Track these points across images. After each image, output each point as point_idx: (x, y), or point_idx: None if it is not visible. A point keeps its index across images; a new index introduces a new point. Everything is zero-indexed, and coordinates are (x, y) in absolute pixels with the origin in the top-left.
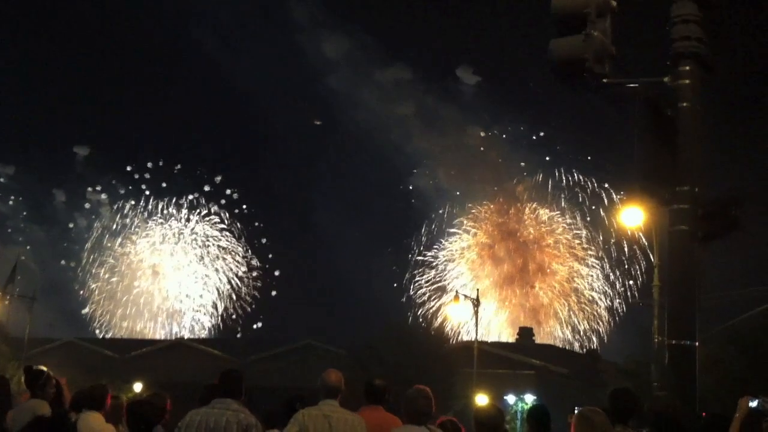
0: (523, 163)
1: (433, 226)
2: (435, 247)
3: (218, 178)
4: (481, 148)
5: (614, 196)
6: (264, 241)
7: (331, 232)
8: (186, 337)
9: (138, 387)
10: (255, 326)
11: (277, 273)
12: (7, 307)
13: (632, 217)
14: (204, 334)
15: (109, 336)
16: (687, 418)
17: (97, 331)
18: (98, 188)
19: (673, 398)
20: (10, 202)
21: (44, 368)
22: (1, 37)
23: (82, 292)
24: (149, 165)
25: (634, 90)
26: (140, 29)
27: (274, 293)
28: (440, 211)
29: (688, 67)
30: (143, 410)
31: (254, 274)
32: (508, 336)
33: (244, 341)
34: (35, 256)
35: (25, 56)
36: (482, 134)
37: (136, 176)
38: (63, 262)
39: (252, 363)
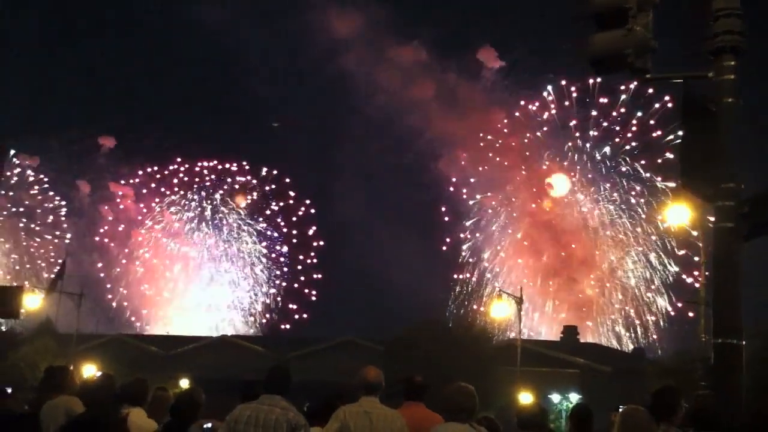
0: (553, 149)
1: (467, 218)
2: (470, 239)
3: (247, 176)
4: (505, 131)
5: (659, 187)
6: (296, 235)
7: (357, 224)
8: (229, 334)
9: (184, 383)
10: (298, 322)
11: (316, 272)
12: (54, 304)
13: (679, 214)
14: (246, 330)
15: (151, 332)
16: (730, 417)
17: (138, 328)
18: (125, 180)
19: (717, 396)
20: (36, 194)
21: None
22: (24, 29)
23: (115, 286)
24: (178, 159)
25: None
26: (153, 16)
27: (314, 290)
28: (470, 202)
29: (732, 62)
30: (187, 402)
31: (292, 268)
32: (553, 333)
33: (286, 338)
34: (63, 249)
35: (48, 46)
36: (506, 117)
37: (162, 169)
38: (95, 255)
39: (294, 359)
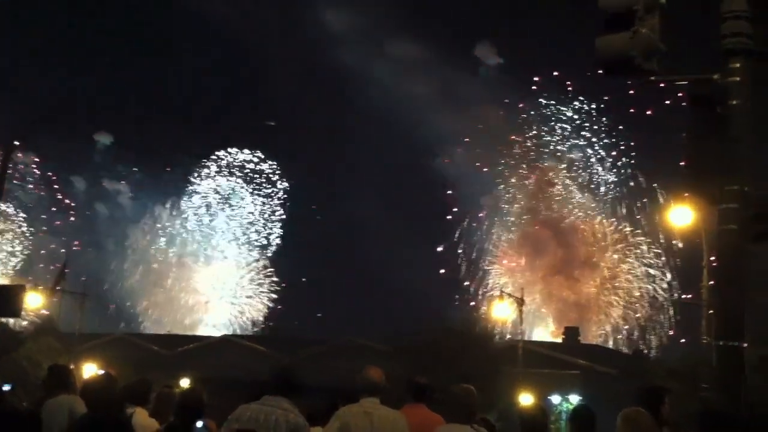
0: (554, 146)
1: (467, 219)
2: (469, 239)
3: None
4: (501, 129)
5: (657, 188)
6: (298, 233)
7: (359, 222)
8: (232, 334)
9: (185, 382)
10: (297, 323)
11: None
12: (57, 303)
13: (681, 216)
14: (246, 330)
15: (152, 332)
16: (734, 419)
17: (140, 327)
18: (120, 178)
19: (720, 399)
20: (32, 191)
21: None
22: (21, 24)
23: (115, 286)
24: (176, 156)
25: (682, 87)
26: (148, 12)
27: (316, 289)
28: (469, 198)
29: (738, 64)
30: (192, 401)
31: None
32: (552, 332)
33: (290, 338)
34: (61, 247)
35: (45, 41)
36: (505, 114)
37: (159, 167)
38: (89, 249)
39: (297, 360)
